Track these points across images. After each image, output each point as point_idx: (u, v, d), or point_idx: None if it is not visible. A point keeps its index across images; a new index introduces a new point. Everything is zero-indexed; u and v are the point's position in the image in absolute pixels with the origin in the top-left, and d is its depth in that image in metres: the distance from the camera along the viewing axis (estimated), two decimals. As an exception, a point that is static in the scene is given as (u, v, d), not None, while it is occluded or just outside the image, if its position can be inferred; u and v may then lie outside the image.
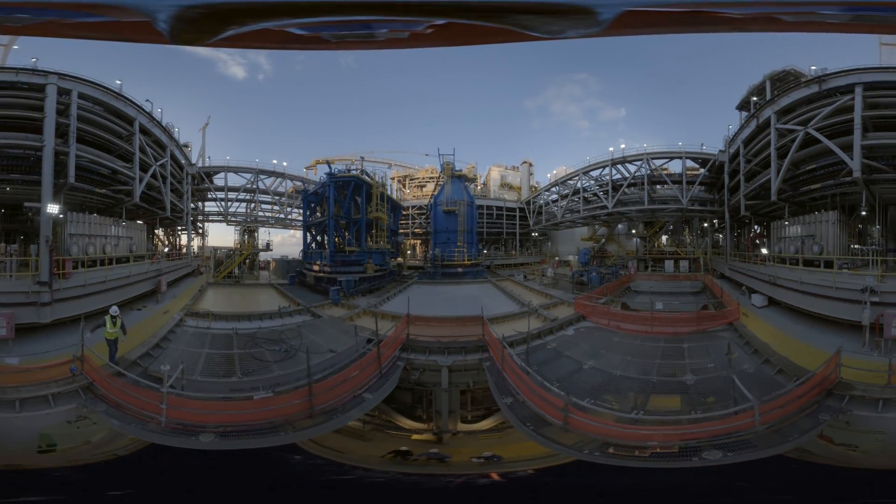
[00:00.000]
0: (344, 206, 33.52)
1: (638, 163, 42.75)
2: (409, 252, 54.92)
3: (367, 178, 36.43)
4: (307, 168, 73.43)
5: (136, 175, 29.23)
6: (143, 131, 30.94)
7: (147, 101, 41.27)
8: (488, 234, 55.68)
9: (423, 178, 66.62)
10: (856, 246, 26.71)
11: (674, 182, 41.67)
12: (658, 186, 42.44)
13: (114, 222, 28.55)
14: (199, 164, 44.24)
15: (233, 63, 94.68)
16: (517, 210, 58.26)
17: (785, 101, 28.16)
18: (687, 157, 41.91)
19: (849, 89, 24.02)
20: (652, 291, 32.49)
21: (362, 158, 57.51)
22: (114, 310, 18.38)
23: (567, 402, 16.56)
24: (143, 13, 3.12)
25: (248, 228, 41.73)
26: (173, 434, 14.48)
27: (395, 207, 43.90)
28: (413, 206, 56.45)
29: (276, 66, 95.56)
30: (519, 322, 26.78)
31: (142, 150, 30.16)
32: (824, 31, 3.36)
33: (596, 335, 25.10)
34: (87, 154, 25.82)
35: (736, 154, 35.49)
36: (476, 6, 3.11)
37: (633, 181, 41.73)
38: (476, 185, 58.11)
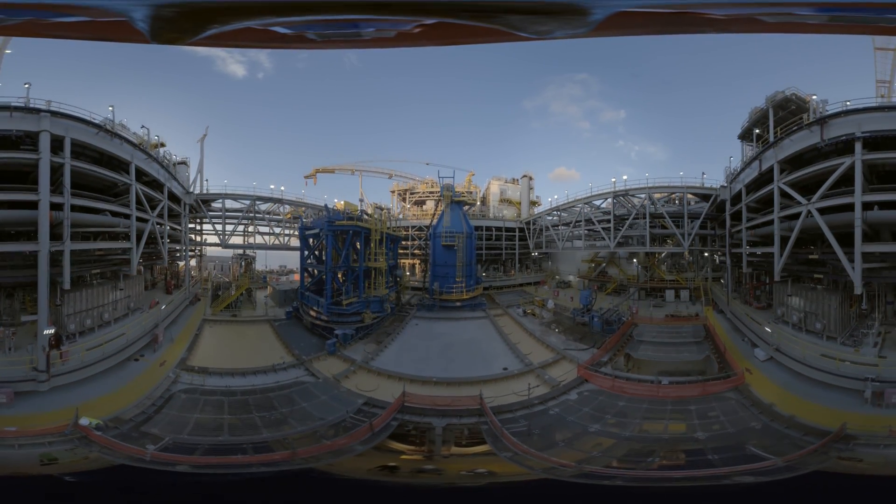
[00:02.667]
0: (342, 254, 32.89)
1: (641, 195, 42.43)
2: (408, 274, 54.68)
3: (367, 217, 35.78)
4: (307, 177, 72.66)
5: (132, 244, 28.73)
6: (139, 173, 30.29)
7: (143, 127, 40.77)
8: (487, 255, 55.46)
9: (424, 193, 65.82)
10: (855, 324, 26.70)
11: (674, 218, 41.47)
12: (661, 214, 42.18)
13: (112, 288, 28.20)
14: (197, 191, 43.66)
15: (232, 61, 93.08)
16: (517, 230, 57.81)
17: (788, 149, 27.63)
18: (689, 193, 41.53)
19: (849, 145, 23.45)
20: (654, 341, 32.01)
21: (362, 200, 56.89)
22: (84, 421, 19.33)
23: (578, 468, 17.42)
24: (119, 13, 3.06)
25: (246, 261, 41.22)
26: (157, 462, 17.14)
27: (394, 240, 43.29)
28: (413, 227, 55.86)
29: (276, 64, 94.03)
30: (517, 382, 26.59)
31: (138, 202, 29.64)
32: (803, 31, 3.41)
33: (600, 399, 24.96)
34: (83, 246, 25.45)
35: (737, 197, 35.16)
36: (465, 6, 3.08)
37: (636, 216, 41.30)
38: (475, 202, 57.37)
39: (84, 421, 19.07)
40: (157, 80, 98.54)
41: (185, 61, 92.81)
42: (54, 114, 23.45)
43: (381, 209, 72.25)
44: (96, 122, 26.36)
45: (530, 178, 68.60)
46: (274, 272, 59.29)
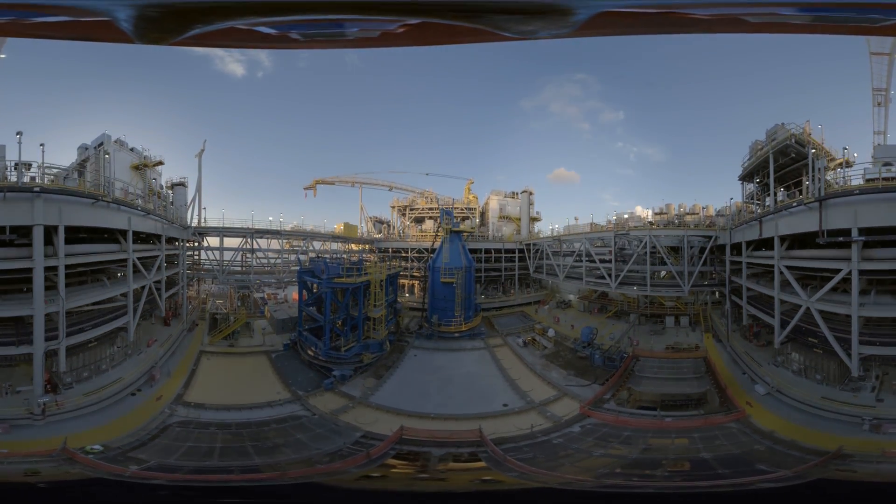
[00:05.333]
0: (342, 306, 32.67)
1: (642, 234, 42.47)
2: (407, 295, 54.44)
3: (367, 264, 35.51)
4: (307, 188, 72.61)
5: (129, 316, 28.79)
6: (136, 233, 30.33)
7: (143, 164, 40.63)
8: (487, 277, 55.30)
9: (423, 209, 65.67)
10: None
11: (672, 249, 41.55)
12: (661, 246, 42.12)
13: (109, 344, 28.16)
14: (195, 218, 43.57)
15: (231, 60, 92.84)
16: (516, 251, 57.59)
17: (787, 221, 28.12)
18: (689, 236, 41.50)
19: (846, 243, 23.87)
20: (656, 377, 31.81)
21: (365, 248, 56.27)
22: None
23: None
24: (102, 13, 3.04)
25: (243, 294, 40.93)
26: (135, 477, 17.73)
27: (393, 276, 42.98)
28: (412, 249, 55.67)
29: (276, 62, 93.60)
30: (518, 418, 26.46)
31: (135, 268, 29.83)
32: (787, 31, 3.37)
33: (604, 430, 25.18)
34: (78, 339, 25.35)
35: (737, 247, 35.94)
36: (449, 6, 3.08)
37: (637, 256, 41.38)
38: (474, 231, 56.74)
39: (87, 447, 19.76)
40: (156, 79, 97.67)
41: (184, 60, 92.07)
42: (45, 190, 22.89)
43: (381, 223, 72.29)
44: (89, 187, 26.22)
45: (530, 194, 68.17)
46: (272, 285, 58.99)
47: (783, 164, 31.66)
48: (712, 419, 25.87)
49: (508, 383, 31.30)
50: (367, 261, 38.31)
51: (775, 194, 30.63)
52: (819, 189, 25.10)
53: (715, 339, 37.79)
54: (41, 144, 28.45)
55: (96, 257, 26.72)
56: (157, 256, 33.17)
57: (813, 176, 26.15)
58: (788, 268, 27.71)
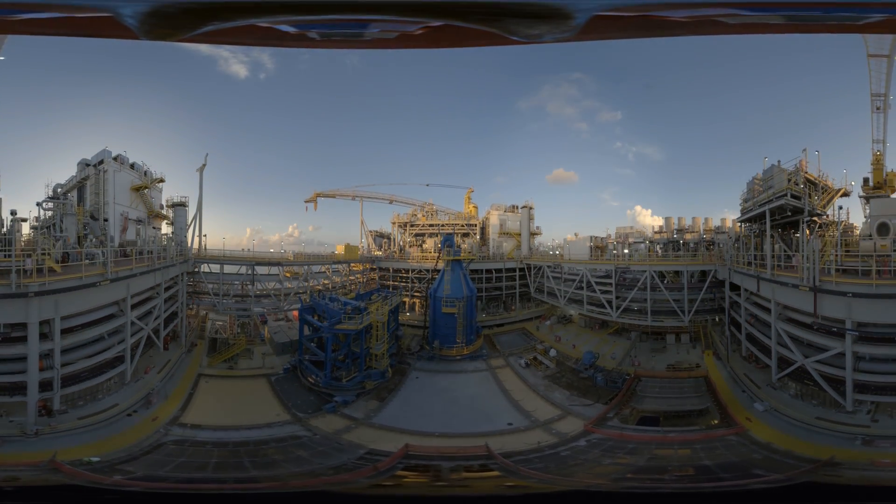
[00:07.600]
0: (343, 345, 32.62)
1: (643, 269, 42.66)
2: (408, 314, 54.22)
3: (370, 304, 35.49)
4: (307, 201, 72.65)
5: (126, 364, 28.79)
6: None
7: (143, 185, 40.58)
8: (488, 296, 55.36)
9: (424, 226, 65.77)
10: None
11: (672, 287, 41.70)
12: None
13: (105, 381, 27.96)
14: (194, 246, 43.52)
15: (235, 61, 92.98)
16: (517, 269, 57.69)
17: (784, 296, 28.43)
18: (689, 271, 41.73)
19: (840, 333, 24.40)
20: (658, 397, 31.80)
21: (366, 268, 55.74)
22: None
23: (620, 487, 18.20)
24: (105, 9, 2.92)
25: (242, 323, 40.78)
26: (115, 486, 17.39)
27: (395, 308, 42.92)
28: (413, 270, 55.68)
29: (279, 64, 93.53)
30: (524, 436, 26.57)
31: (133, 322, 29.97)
32: (764, 32, 3.45)
33: (609, 444, 25.50)
34: (72, 389, 25.26)
35: (735, 288, 36.57)
36: (468, 8, 3.12)
37: (639, 288, 41.52)
38: (475, 257, 56.47)
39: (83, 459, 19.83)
40: (157, 80, 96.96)
41: (186, 59, 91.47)
42: (40, 292, 22.61)
43: (382, 237, 72.26)
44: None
45: (530, 208, 68.21)
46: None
47: (780, 218, 32.05)
48: (713, 432, 26.50)
49: (512, 404, 31.18)
50: (368, 288, 37.99)
51: (773, 256, 30.36)
52: (814, 278, 25.18)
53: (715, 356, 37.69)
54: (37, 204, 28.90)
55: (93, 331, 26.74)
56: (156, 305, 33.14)
57: (809, 247, 26.19)
58: (785, 331, 28.31)
